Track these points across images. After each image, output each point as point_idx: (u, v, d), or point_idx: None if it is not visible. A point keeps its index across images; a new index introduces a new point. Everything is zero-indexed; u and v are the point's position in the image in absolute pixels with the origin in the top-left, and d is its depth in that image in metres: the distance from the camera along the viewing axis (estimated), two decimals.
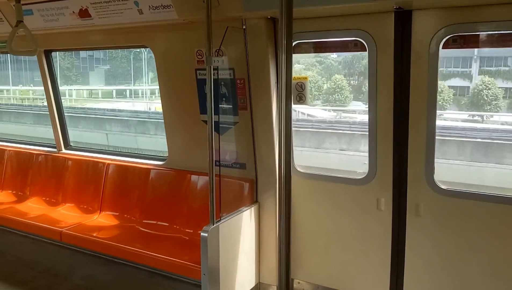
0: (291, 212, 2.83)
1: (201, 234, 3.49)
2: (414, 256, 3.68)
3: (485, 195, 3.42)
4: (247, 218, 4.03)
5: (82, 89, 31.27)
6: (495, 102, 18.89)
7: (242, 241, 3.97)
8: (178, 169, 4.68)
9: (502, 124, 17.67)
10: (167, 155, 4.82)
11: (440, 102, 17.23)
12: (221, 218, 3.68)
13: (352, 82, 23.65)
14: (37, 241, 5.07)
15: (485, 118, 18.27)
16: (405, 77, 3.47)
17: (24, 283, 4.59)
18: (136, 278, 4.51)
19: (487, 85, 19.30)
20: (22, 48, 4.01)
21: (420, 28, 3.36)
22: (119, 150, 5.32)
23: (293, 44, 3.21)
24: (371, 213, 3.79)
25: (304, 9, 3.32)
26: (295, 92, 3.89)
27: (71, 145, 5.77)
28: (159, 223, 4.65)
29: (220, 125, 3.93)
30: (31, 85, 29.66)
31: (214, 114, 3.51)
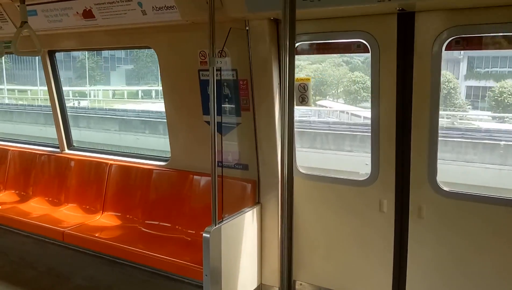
0: (294, 213, 2.83)
1: (203, 235, 3.49)
2: (417, 258, 3.67)
3: (487, 197, 3.41)
4: (249, 219, 4.03)
5: (108, 90, 30.56)
6: None
7: (244, 242, 3.97)
8: (181, 169, 4.69)
9: None
10: (170, 155, 4.83)
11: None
12: (223, 219, 3.68)
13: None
14: (39, 241, 5.09)
15: None
16: (407, 79, 3.46)
17: (26, 283, 4.59)
18: (138, 278, 4.52)
19: None
20: (26, 49, 4.02)
21: (423, 30, 3.35)
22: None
23: (296, 45, 3.22)
24: (374, 215, 3.78)
25: (307, 11, 3.32)
26: (297, 93, 3.89)
27: (74, 145, 5.79)
28: (161, 223, 4.65)
29: (223, 126, 3.94)
30: None
31: (217, 115, 3.51)
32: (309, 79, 3.94)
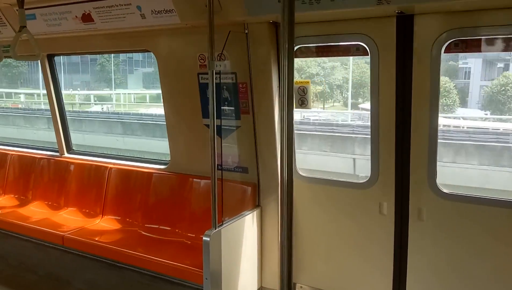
0: (294, 216, 2.83)
1: (203, 238, 3.49)
2: (417, 261, 3.67)
3: (488, 199, 3.41)
4: (249, 222, 4.03)
5: (130, 93, 29.82)
6: None
7: (244, 245, 3.96)
8: (180, 173, 4.69)
9: None
10: (169, 159, 4.83)
11: None
12: (223, 222, 3.68)
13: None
14: (39, 245, 5.06)
15: None
16: (407, 81, 3.47)
17: (26, 288, 4.59)
18: (138, 282, 4.50)
19: None
20: (25, 53, 4.03)
21: (422, 33, 3.36)
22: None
23: (295, 48, 3.22)
24: (374, 218, 3.78)
25: (306, 14, 3.33)
26: (297, 96, 3.89)
27: (73, 149, 5.78)
28: (161, 227, 4.65)
29: (222, 129, 3.93)
30: (70, 89, 27.83)
31: (216, 118, 3.51)
32: (308, 82, 3.94)
